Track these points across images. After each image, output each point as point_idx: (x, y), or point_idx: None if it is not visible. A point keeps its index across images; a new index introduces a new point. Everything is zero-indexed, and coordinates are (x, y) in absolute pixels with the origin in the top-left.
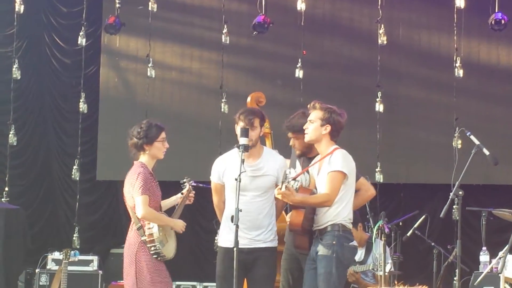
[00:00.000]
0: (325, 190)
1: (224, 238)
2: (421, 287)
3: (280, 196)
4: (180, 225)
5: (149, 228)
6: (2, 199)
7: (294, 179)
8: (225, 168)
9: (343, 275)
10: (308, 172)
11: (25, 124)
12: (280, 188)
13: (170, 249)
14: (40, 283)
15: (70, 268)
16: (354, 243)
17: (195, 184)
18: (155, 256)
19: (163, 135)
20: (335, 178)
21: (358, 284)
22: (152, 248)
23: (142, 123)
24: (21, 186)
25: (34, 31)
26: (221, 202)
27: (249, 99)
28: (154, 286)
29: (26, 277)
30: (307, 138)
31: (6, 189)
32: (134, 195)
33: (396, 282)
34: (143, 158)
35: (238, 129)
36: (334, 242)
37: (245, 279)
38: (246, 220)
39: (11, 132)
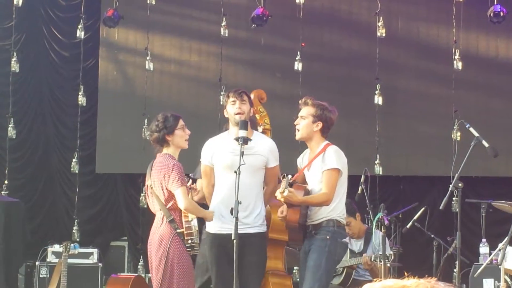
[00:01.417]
0: (322, 189)
1: (212, 224)
2: (430, 279)
3: (283, 199)
4: (211, 215)
5: (188, 221)
6: (2, 192)
7: (293, 180)
8: (214, 150)
9: (331, 270)
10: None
11: (24, 117)
12: (282, 192)
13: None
14: (40, 276)
15: (70, 261)
16: (347, 239)
17: (192, 177)
18: (189, 249)
19: (181, 122)
20: (331, 176)
21: (373, 272)
22: (189, 241)
23: (157, 117)
24: (20, 179)
25: (32, 24)
26: (210, 185)
27: (252, 96)
28: (183, 279)
29: (26, 270)
30: (298, 135)
31: (6, 182)
32: (171, 188)
33: (405, 273)
34: (168, 150)
35: (228, 110)
36: (328, 237)
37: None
38: (234, 200)
39: (10, 126)
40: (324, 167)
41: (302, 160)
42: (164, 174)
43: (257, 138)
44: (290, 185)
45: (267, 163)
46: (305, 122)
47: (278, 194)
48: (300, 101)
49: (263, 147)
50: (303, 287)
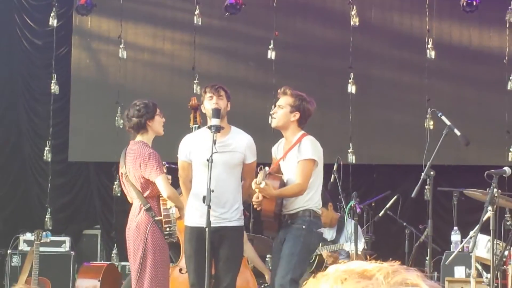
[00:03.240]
0: (297, 180)
1: (191, 217)
2: (394, 263)
3: (257, 190)
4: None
5: (166, 209)
6: None
7: (269, 172)
8: (192, 147)
9: (305, 259)
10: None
11: None
12: (258, 183)
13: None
14: (12, 264)
15: (42, 249)
16: (322, 229)
17: (167, 165)
18: (167, 237)
19: (158, 109)
20: (306, 166)
21: (337, 263)
22: (168, 229)
23: (135, 103)
24: None
25: (4, 12)
26: (188, 180)
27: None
28: (158, 266)
29: None
30: (274, 123)
31: None
32: (151, 176)
33: (368, 257)
34: (144, 137)
35: (205, 105)
36: (304, 227)
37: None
38: (212, 196)
39: None
40: (299, 157)
41: (277, 150)
42: (140, 163)
43: (234, 134)
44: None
45: (244, 159)
46: (282, 111)
47: (253, 185)
48: (278, 91)
49: (241, 143)
50: (277, 275)
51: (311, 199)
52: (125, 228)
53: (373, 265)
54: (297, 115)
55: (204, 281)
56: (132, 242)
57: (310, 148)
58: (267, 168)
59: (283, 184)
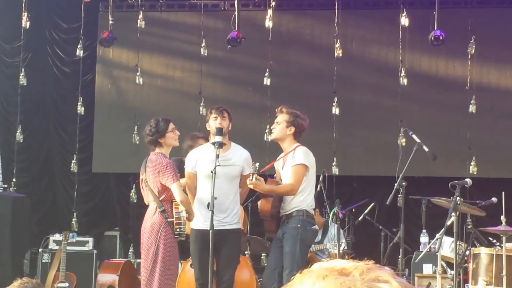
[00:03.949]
0: (289, 181)
1: (196, 221)
2: (369, 262)
3: (252, 186)
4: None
5: (178, 212)
6: (10, 189)
7: (263, 171)
8: (197, 159)
9: (305, 253)
10: (274, 166)
11: (30, 124)
12: (252, 179)
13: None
14: (43, 261)
15: (68, 248)
16: (316, 227)
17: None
18: (177, 236)
19: (171, 125)
20: (298, 170)
21: (312, 261)
22: (178, 229)
23: (150, 122)
24: (26, 178)
25: (38, 44)
26: (193, 187)
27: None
28: (168, 261)
29: (31, 256)
30: (273, 136)
31: (14, 180)
32: (167, 183)
33: (347, 257)
34: (161, 149)
35: (210, 124)
36: (299, 225)
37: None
38: (215, 203)
39: (18, 131)
40: (293, 163)
41: (278, 163)
42: (159, 171)
43: (234, 149)
44: (261, 175)
45: (242, 171)
46: (279, 126)
47: (248, 181)
48: (276, 109)
49: (240, 158)
50: (284, 272)
51: (304, 201)
52: (141, 229)
53: (351, 263)
54: (293, 129)
55: (207, 276)
56: (146, 239)
57: (302, 155)
58: (257, 164)
59: None
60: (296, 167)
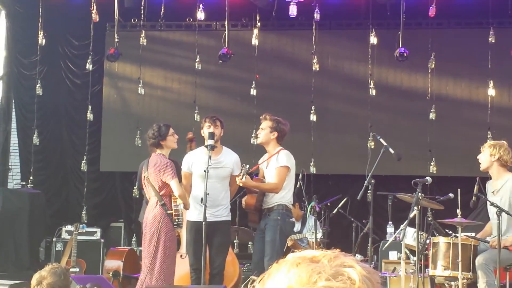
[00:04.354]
0: (274, 181)
1: (191, 214)
2: (336, 250)
3: (241, 184)
4: (189, 205)
5: (176, 205)
6: (28, 186)
7: (252, 171)
8: (193, 161)
9: (284, 242)
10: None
11: (46, 129)
12: (241, 178)
13: None
14: (57, 249)
15: (79, 237)
16: (293, 219)
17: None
18: (175, 226)
19: (171, 130)
20: (281, 171)
21: (295, 248)
22: (176, 220)
23: (153, 127)
24: (42, 176)
25: (53, 58)
26: (188, 185)
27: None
28: (168, 248)
29: (46, 244)
30: (259, 140)
31: (31, 178)
32: (167, 179)
33: (321, 247)
34: (162, 151)
35: (204, 131)
36: (279, 218)
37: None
38: (208, 200)
39: (34, 135)
40: (277, 165)
41: (262, 161)
42: (160, 170)
43: (225, 153)
44: (248, 174)
45: (232, 172)
46: (264, 132)
47: (237, 180)
48: (261, 117)
49: (230, 161)
50: (265, 258)
51: (284, 197)
52: (143, 219)
53: (320, 252)
54: (276, 134)
55: (201, 262)
56: (149, 229)
57: (285, 157)
58: (247, 165)
59: None
60: (280, 169)
